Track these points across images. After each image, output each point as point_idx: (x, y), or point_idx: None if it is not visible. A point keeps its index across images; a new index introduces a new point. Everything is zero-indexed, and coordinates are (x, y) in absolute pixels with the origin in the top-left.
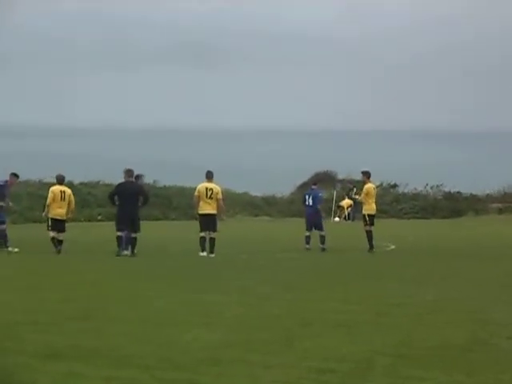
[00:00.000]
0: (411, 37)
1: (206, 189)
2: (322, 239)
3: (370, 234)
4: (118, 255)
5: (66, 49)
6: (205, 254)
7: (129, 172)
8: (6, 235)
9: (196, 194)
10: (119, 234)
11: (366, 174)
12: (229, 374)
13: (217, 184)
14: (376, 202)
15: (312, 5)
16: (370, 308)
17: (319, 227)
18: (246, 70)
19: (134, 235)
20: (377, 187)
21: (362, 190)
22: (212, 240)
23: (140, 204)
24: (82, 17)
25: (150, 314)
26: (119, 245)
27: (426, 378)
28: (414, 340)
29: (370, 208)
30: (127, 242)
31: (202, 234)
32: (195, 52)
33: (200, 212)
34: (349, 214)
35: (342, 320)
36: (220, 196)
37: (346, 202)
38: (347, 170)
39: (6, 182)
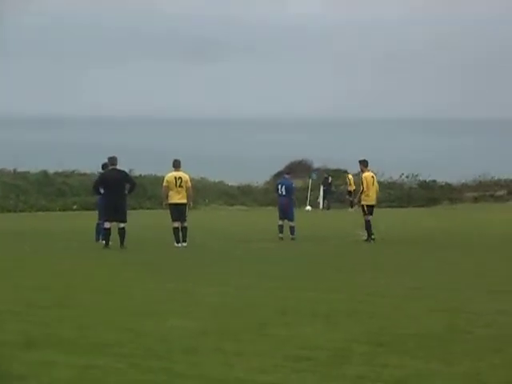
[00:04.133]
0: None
1: (175, 178)
2: (292, 230)
3: (368, 224)
4: (105, 247)
5: (63, 38)
6: (179, 245)
7: (112, 159)
8: None
9: (165, 184)
10: (107, 225)
11: (363, 163)
12: (204, 363)
13: (185, 172)
14: (376, 191)
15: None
16: (347, 297)
17: (290, 217)
18: (229, 60)
19: (122, 225)
20: (353, 176)
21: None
22: (184, 229)
23: (126, 192)
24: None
25: (126, 303)
26: (106, 236)
27: (403, 365)
28: (391, 328)
29: (367, 198)
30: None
31: (176, 225)
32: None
33: (171, 202)
34: (324, 203)
35: (319, 309)
36: (189, 184)
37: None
38: (323, 159)
39: None
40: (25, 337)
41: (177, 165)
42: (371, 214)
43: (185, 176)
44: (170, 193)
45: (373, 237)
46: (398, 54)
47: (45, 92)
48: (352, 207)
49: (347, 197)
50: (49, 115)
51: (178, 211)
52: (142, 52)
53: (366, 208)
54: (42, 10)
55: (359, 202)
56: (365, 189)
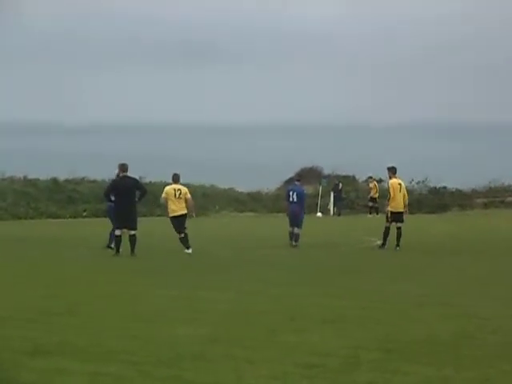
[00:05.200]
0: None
1: (174, 190)
2: (297, 236)
3: (386, 231)
4: (115, 254)
5: (63, 45)
6: (190, 250)
7: (123, 166)
8: None
9: (164, 195)
10: (117, 232)
11: (391, 170)
12: (214, 370)
13: (184, 186)
14: (404, 198)
15: (313, 2)
16: (356, 303)
17: (298, 224)
18: (239, 66)
19: (132, 232)
20: (362, 182)
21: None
22: (185, 236)
23: (137, 199)
24: (82, 12)
25: (136, 310)
26: (117, 244)
27: (412, 372)
28: (400, 335)
29: (393, 205)
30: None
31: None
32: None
33: (171, 215)
34: (335, 209)
35: (328, 315)
36: (189, 195)
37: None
38: (333, 165)
39: None
40: (33, 344)
41: (176, 179)
42: (397, 221)
43: (184, 188)
44: (170, 204)
45: (398, 248)
46: (407, 60)
47: (46, 98)
48: (371, 213)
49: (370, 203)
50: (55, 123)
51: (178, 222)
52: (142, 58)
53: (390, 215)
54: (40, 18)
55: (387, 208)
56: (391, 195)
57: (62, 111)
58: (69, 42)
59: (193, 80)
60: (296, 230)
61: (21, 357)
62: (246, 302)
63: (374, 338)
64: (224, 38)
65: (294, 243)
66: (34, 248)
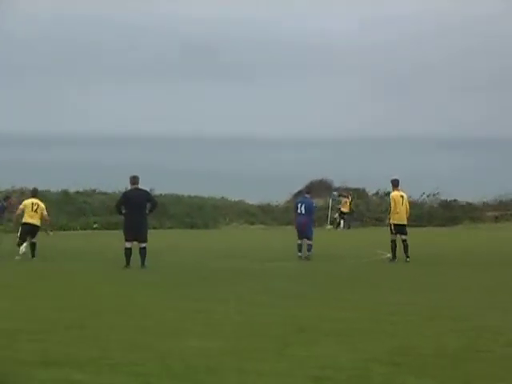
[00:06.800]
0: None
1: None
2: (309, 247)
3: (392, 244)
4: (126, 266)
5: (64, 55)
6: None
7: (134, 179)
8: None
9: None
10: (128, 245)
11: (392, 182)
12: (224, 383)
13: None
14: (407, 211)
15: (329, 15)
16: (365, 316)
17: (308, 236)
18: (252, 79)
19: (143, 245)
20: (372, 195)
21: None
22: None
23: (147, 211)
24: (82, 21)
25: (146, 322)
26: (127, 256)
27: None
28: (410, 348)
29: (395, 217)
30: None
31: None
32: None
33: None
34: (344, 222)
35: (338, 328)
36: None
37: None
38: (343, 178)
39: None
40: (43, 356)
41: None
42: (401, 233)
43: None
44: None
45: (408, 260)
46: (420, 72)
47: (52, 110)
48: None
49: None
50: (65, 133)
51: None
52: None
53: (393, 227)
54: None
55: (389, 220)
56: (392, 208)
57: (72, 123)
58: (72, 53)
59: (207, 92)
60: (308, 241)
61: (31, 368)
62: (256, 314)
63: (383, 351)
64: (237, 50)
65: (307, 253)
66: (44, 260)
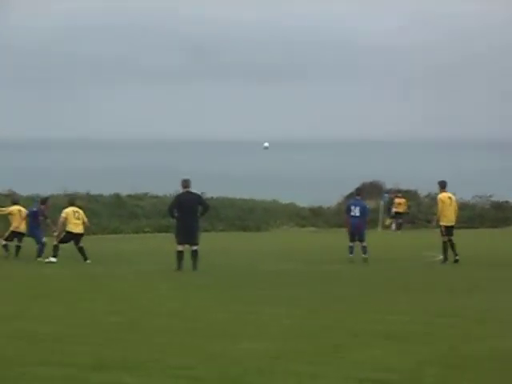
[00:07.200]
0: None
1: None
2: (364, 249)
3: (444, 245)
4: (177, 269)
5: (74, 61)
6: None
7: (185, 182)
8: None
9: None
10: (180, 248)
11: (440, 184)
12: None
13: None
14: (455, 212)
15: (363, 18)
16: (418, 319)
17: (361, 238)
18: (291, 84)
19: (194, 248)
20: (425, 197)
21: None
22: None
23: (199, 214)
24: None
25: (197, 325)
26: (179, 259)
27: None
28: (463, 350)
29: (444, 219)
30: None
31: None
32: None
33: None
34: (398, 224)
35: (391, 331)
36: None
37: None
38: (394, 180)
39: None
40: (96, 359)
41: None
42: (448, 234)
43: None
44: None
45: (457, 258)
46: (463, 75)
47: (82, 116)
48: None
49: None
50: (106, 138)
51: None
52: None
53: (443, 229)
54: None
55: (437, 222)
56: (440, 210)
57: (112, 128)
58: (74, 62)
59: (258, 97)
60: (363, 243)
61: (83, 372)
62: (309, 317)
63: (436, 354)
64: (273, 56)
65: (363, 255)
66: (96, 263)
